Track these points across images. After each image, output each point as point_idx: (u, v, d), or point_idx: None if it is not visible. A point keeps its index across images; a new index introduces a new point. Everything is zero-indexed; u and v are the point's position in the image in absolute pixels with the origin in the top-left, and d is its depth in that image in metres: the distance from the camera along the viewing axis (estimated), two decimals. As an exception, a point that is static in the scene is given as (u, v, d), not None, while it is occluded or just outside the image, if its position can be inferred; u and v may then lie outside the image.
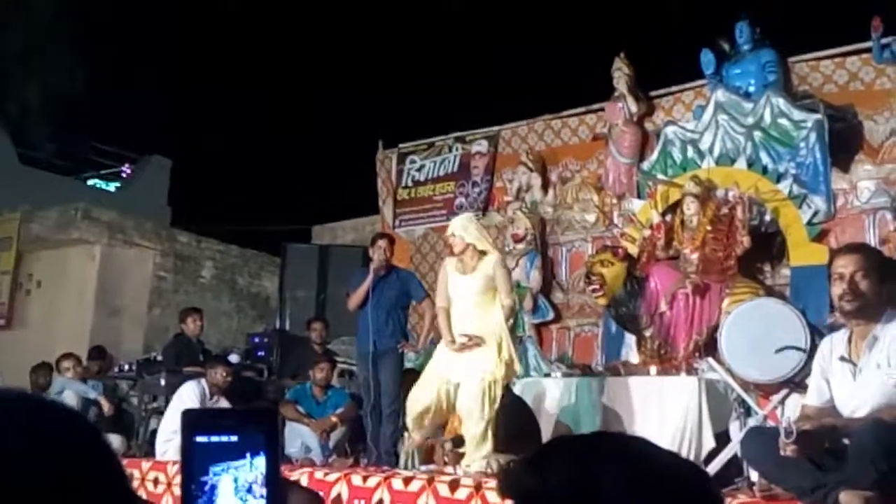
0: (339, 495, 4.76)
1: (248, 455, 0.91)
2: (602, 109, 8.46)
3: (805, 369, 4.17)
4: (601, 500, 0.89)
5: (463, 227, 5.28)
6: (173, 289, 11.65)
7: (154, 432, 6.95)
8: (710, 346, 5.83)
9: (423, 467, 5.46)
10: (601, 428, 5.37)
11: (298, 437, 6.58)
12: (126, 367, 8.94)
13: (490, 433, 4.97)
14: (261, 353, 8.92)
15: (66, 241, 11.11)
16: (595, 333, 7.77)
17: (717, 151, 7.09)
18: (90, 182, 17.62)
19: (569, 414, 5.86)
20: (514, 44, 14.46)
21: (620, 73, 8.13)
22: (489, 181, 9.36)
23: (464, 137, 9.74)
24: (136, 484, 5.55)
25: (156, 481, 5.60)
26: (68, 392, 7.39)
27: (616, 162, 8.11)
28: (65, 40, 14.20)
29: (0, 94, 14.40)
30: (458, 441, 5.42)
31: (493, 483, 4.08)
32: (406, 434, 5.66)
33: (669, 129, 7.47)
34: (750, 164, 6.84)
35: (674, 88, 8.29)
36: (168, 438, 6.26)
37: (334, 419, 6.73)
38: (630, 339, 6.82)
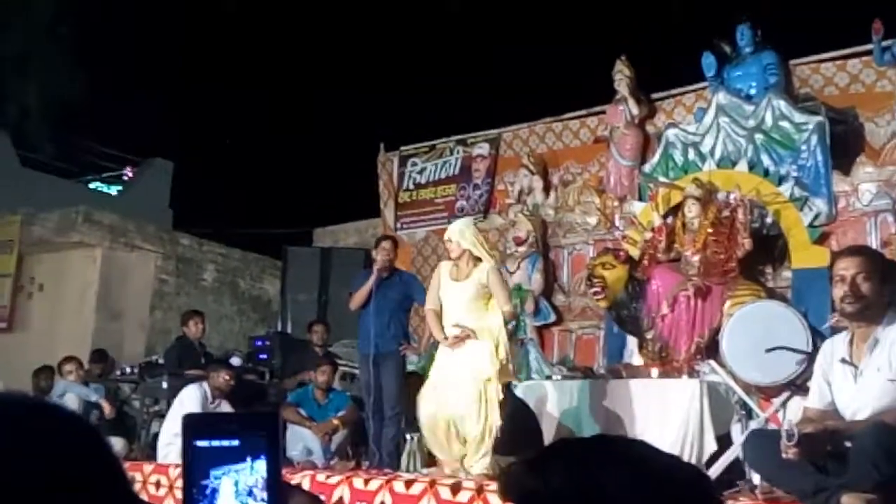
0: (340, 498, 4.76)
1: (248, 459, 0.91)
2: (603, 112, 8.48)
3: (806, 372, 4.17)
4: (602, 503, 0.89)
5: (460, 233, 5.27)
6: (175, 292, 11.65)
7: (156, 436, 6.94)
8: (711, 349, 5.83)
9: (426, 470, 5.45)
10: (603, 430, 5.37)
11: (300, 440, 6.58)
12: (128, 370, 8.92)
13: (489, 433, 4.95)
14: (262, 356, 8.90)
15: (68, 244, 11.11)
16: (596, 336, 7.77)
17: (718, 154, 7.09)
18: (92, 185, 17.67)
19: (570, 416, 5.85)
20: (516, 46, 14.44)
21: (622, 76, 8.15)
22: (490, 184, 9.36)
23: (465, 140, 9.76)
24: (138, 487, 5.55)
25: (158, 484, 5.61)
26: (70, 395, 7.38)
27: (617, 164, 8.13)
28: (66, 42, 14.20)
29: (1, 97, 14.40)
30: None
31: (494, 485, 4.07)
32: (408, 437, 5.64)
33: (671, 132, 7.47)
34: (751, 167, 6.83)
35: (675, 91, 8.30)
36: (169, 442, 6.26)
37: (336, 422, 6.72)
38: (631, 341, 6.82)
